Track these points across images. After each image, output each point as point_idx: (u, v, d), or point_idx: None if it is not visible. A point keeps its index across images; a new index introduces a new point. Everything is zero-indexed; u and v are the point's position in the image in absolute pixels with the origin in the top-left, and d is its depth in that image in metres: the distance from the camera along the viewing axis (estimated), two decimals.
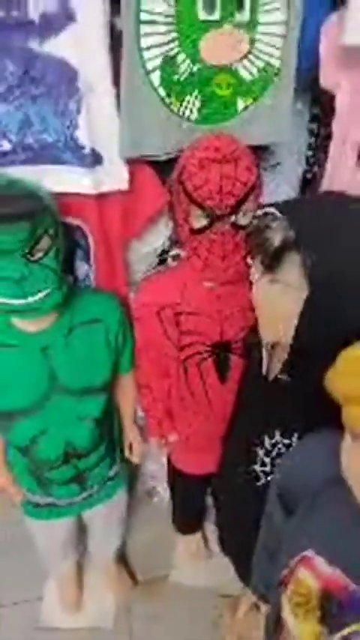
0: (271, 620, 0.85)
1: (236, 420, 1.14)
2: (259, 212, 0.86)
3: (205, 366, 1.21)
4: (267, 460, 0.99)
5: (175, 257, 1.38)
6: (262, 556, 0.95)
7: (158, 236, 1.31)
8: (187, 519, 1.79)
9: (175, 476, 1.56)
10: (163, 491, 1.90)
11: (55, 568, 1.62)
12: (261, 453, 1.00)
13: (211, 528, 1.89)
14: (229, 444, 1.17)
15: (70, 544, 1.52)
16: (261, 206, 0.87)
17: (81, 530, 1.57)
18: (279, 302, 0.81)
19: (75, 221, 1.12)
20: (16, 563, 1.84)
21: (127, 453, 1.40)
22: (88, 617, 1.69)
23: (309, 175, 1.43)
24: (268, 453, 0.99)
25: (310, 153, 1.39)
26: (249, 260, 0.89)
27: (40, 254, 0.91)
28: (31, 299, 0.92)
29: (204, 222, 1.00)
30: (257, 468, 1.01)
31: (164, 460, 1.78)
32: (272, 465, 0.99)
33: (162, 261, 1.39)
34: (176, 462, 1.48)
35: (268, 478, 1.00)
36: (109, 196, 1.10)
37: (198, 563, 1.84)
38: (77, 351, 1.09)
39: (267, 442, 0.98)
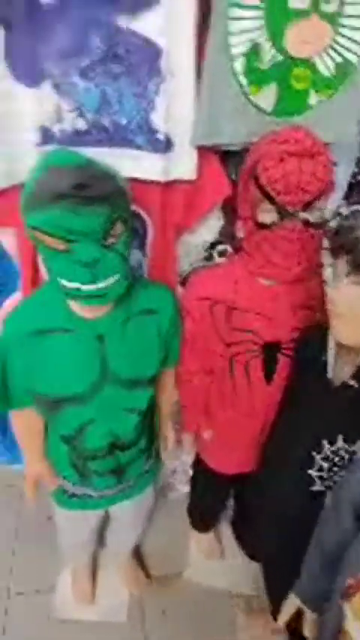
0: (330, 628, 0.84)
1: (286, 422, 1.11)
2: (345, 210, 0.84)
3: (252, 364, 1.18)
4: (325, 465, 0.98)
5: (222, 252, 1.36)
6: (315, 562, 0.93)
7: (210, 229, 1.28)
8: (205, 517, 1.78)
9: (202, 473, 1.54)
10: (182, 487, 1.88)
11: (74, 559, 1.60)
12: (318, 457, 0.98)
13: (225, 528, 1.89)
14: (274, 447, 1.15)
15: (94, 536, 1.49)
16: (345, 204, 0.85)
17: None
18: None
19: (136, 208, 1.09)
20: (31, 553, 1.82)
21: (162, 446, 1.37)
22: (102, 611, 1.67)
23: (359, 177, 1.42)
24: (326, 459, 0.97)
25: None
26: (327, 259, 0.87)
27: (113, 239, 0.88)
28: (100, 284, 0.89)
29: (274, 217, 0.98)
30: (313, 472, 0.99)
31: (185, 458, 1.77)
32: (330, 470, 0.97)
33: (207, 256, 1.36)
34: (207, 460, 1.46)
35: (325, 484, 0.99)
36: (173, 184, 1.07)
37: (212, 562, 1.82)
38: (131, 341, 1.06)
39: (327, 448, 0.96)
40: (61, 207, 0.79)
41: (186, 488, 1.86)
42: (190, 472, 1.77)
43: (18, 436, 1.21)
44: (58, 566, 1.75)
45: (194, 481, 1.68)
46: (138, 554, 1.81)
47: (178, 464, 1.81)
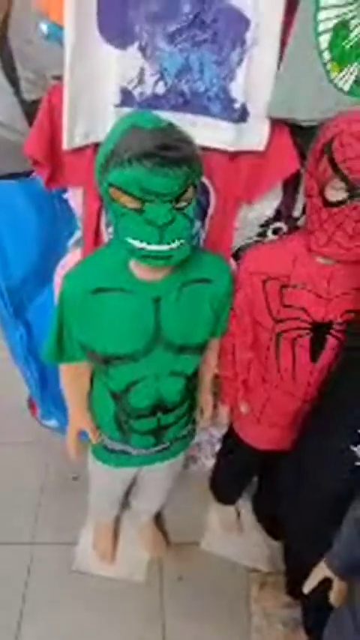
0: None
1: (333, 401, 1.13)
2: None
3: (299, 343, 1.20)
4: None
5: (277, 230, 1.37)
6: (351, 532, 0.96)
7: (267, 205, 1.29)
8: (230, 491, 1.82)
9: (234, 446, 1.58)
10: (206, 460, 1.92)
11: (101, 516, 1.65)
12: None
13: (245, 504, 1.93)
14: (320, 424, 1.17)
15: (123, 495, 1.55)
16: None
17: None
18: None
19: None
20: (56, 508, 1.89)
21: (197, 415, 1.40)
22: (121, 569, 1.74)
23: None
24: None
25: None
26: None
27: (183, 203, 0.90)
28: (167, 246, 0.91)
29: (343, 195, 0.99)
30: (358, 449, 1.02)
31: (213, 431, 1.80)
32: None
33: (261, 232, 1.38)
34: (243, 434, 1.49)
35: None
36: (241, 155, 1.09)
37: (229, 535, 1.87)
38: (184, 307, 1.08)
39: None
40: (143, 166, 0.81)
41: (209, 462, 1.90)
42: (217, 446, 1.81)
43: (65, 389, 1.26)
44: (82, 522, 1.82)
45: (223, 453, 1.71)
46: (158, 521, 1.87)
47: (205, 437, 1.84)
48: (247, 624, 1.65)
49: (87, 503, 1.69)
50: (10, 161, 1.21)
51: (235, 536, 1.86)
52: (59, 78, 0.96)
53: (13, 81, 1.12)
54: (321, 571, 1.03)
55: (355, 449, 1.02)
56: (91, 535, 1.78)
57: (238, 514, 1.92)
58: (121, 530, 1.83)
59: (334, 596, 1.01)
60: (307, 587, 1.07)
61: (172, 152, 0.82)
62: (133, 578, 1.72)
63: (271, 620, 1.67)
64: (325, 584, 1.03)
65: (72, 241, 1.35)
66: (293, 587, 1.61)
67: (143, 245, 0.91)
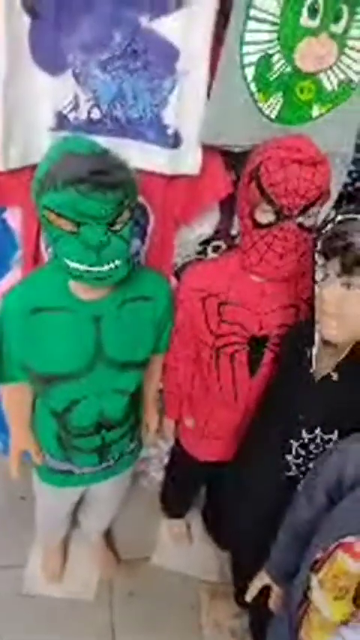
0: (295, 600, 0.91)
1: (268, 411, 1.18)
2: (340, 216, 0.91)
3: (237, 357, 1.25)
4: (302, 452, 1.04)
5: (216, 248, 1.42)
6: (286, 540, 1.00)
7: (206, 225, 1.34)
8: (179, 503, 1.84)
9: (179, 459, 1.60)
10: (155, 474, 1.94)
11: (48, 537, 1.63)
12: (296, 444, 1.05)
13: (194, 517, 1.95)
14: (254, 435, 1.22)
15: (70, 514, 1.54)
16: (342, 211, 0.92)
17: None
18: (352, 306, 0.86)
19: (140, 199, 1.14)
20: (3, 531, 1.84)
21: (143, 431, 1.42)
22: (71, 588, 1.72)
23: (350, 189, 1.50)
24: (304, 446, 1.04)
25: (352, 167, 1.46)
26: (320, 261, 0.94)
27: (119, 225, 0.92)
28: (106, 267, 0.93)
29: (271, 218, 1.04)
30: (290, 458, 1.06)
31: (161, 445, 1.82)
32: (306, 457, 1.05)
33: (201, 250, 1.42)
34: (187, 447, 1.52)
35: (301, 469, 1.06)
36: (177, 178, 1.13)
37: (180, 548, 1.88)
38: (125, 325, 1.10)
39: (305, 435, 1.03)
40: (77, 190, 0.83)
41: (159, 476, 1.91)
42: (165, 460, 1.83)
43: (6, 410, 1.25)
44: (30, 544, 1.79)
45: (170, 466, 1.74)
46: (108, 538, 1.86)
47: (153, 451, 1.86)
48: (198, 635, 1.67)
49: (34, 523, 1.67)
50: None
51: (185, 549, 1.88)
52: None
53: None
54: (261, 579, 1.07)
55: (288, 458, 1.07)
56: (40, 556, 1.75)
57: (188, 526, 1.94)
58: (70, 549, 1.81)
59: (272, 602, 1.05)
60: (249, 596, 1.10)
61: (106, 177, 0.84)
62: (83, 596, 1.70)
63: (222, 630, 1.69)
64: (268, 591, 1.07)
65: (13, 260, 1.35)
66: (241, 597, 1.64)
67: (80, 266, 0.93)
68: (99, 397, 1.13)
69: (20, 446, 1.27)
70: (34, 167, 1.01)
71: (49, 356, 1.07)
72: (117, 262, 0.95)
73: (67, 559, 1.78)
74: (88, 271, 0.93)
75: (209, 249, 1.42)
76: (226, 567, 1.80)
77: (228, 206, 1.31)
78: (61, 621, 1.63)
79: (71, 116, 1.01)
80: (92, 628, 1.63)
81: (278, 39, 0.99)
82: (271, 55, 1.00)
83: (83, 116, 1.01)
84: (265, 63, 1.00)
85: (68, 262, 0.93)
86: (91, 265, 0.93)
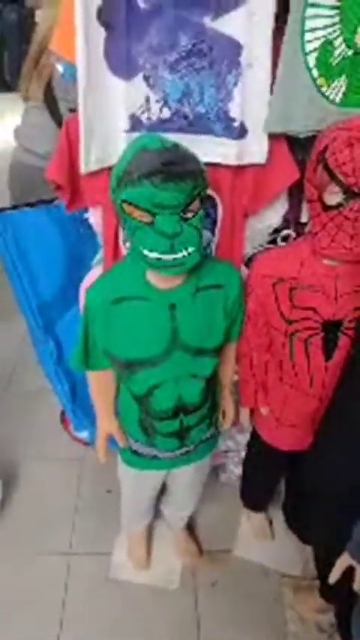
0: None
1: (347, 398, 1.17)
2: None
3: (312, 342, 1.25)
4: None
5: (286, 238, 1.44)
6: None
7: (274, 214, 1.37)
8: (259, 496, 1.84)
9: (257, 449, 1.62)
10: (234, 468, 1.96)
11: (133, 524, 1.71)
12: None
13: (275, 511, 1.95)
14: (336, 422, 1.21)
15: (153, 501, 1.60)
16: None
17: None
18: None
19: (209, 190, 1.19)
20: (91, 521, 1.95)
21: (220, 420, 1.46)
22: (156, 576, 1.78)
23: None
24: None
25: None
26: None
27: (190, 214, 0.98)
28: (179, 255, 0.99)
29: (339, 199, 1.05)
30: None
31: (239, 438, 1.85)
32: None
33: (272, 240, 1.45)
34: (263, 435, 1.53)
35: None
36: (244, 168, 1.17)
37: (261, 541, 1.88)
38: (199, 312, 1.16)
39: None
40: (152, 182, 0.90)
41: (238, 470, 1.93)
42: (243, 453, 1.85)
43: (93, 396, 1.34)
44: (116, 534, 1.88)
45: (249, 457, 1.75)
46: (190, 530, 1.91)
47: (231, 444, 1.89)
48: (283, 630, 1.66)
49: (120, 514, 1.75)
50: (45, 189, 1.33)
51: (267, 543, 1.88)
52: (74, 110, 1.08)
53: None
54: (344, 560, 1.06)
55: None
56: (126, 544, 1.83)
57: (270, 522, 1.94)
58: (155, 538, 1.88)
59: (356, 584, 1.04)
60: (332, 578, 1.10)
61: (177, 167, 0.91)
62: (168, 584, 1.76)
63: (308, 626, 1.67)
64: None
65: (95, 261, 1.46)
66: (327, 592, 1.61)
67: (156, 255, 1.00)
68: (177, 382, 1.19)
69: (106, 429, 1.36)
70: (110, 168, 1.11)
71: (129, 343, 1.15)
72: (190, 250, 1.01)
73: (151, 548, 1.84)
74: (162, 259, 1.00)
75: (279, 239, 1.44)
76: (309, 562, 1.78)
77: (296, 194, 1.33)
78: (146, 608, 1.69)
79: (143, 117, 1.08)
80: (177, 616, 1.68)
81: (340, 22, 1.00)
82: (331, 40, 1.02)
83: (154, 116, 1.09)
84: (326, 48, 1.03)
85: (145, 252, 1.00)
86: (165, 253, 0.99)
